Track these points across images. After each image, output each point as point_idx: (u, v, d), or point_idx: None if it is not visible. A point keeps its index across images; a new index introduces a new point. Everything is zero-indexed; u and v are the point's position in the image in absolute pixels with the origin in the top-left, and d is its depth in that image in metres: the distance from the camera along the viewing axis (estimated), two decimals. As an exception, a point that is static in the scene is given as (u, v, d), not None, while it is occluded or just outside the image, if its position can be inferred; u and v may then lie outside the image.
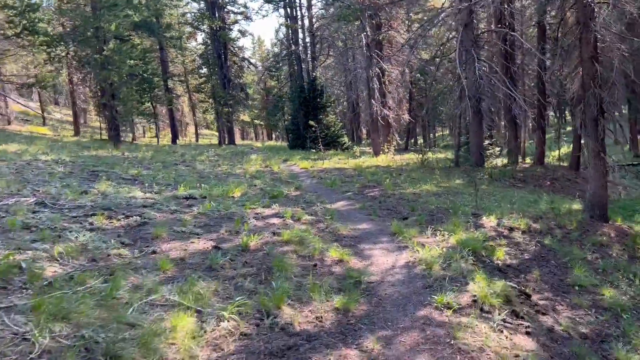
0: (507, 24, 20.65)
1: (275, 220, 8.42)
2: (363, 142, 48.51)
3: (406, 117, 28.53)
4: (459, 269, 6.38)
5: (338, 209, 10.58)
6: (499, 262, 7.43)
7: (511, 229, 9.54)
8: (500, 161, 21.93)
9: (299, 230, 7.66)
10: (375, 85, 26.09)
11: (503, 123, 25.86)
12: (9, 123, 36.49)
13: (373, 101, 26.06)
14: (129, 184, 10.98)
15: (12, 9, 27.19)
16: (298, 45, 34.37)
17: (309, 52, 34.61)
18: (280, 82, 40.54)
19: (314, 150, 24.35)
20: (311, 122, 19.31)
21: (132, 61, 24.21)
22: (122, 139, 31.02)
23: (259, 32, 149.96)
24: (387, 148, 26.51)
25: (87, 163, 13.41)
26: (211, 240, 6.61)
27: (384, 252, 7.26)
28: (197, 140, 49.47)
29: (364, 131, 56.60)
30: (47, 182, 9.61)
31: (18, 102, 32.30)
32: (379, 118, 26.19)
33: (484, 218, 9.98)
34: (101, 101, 23.32)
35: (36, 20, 27.47)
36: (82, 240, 5.77)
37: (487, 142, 20.87)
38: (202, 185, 11.56)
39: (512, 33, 19.39)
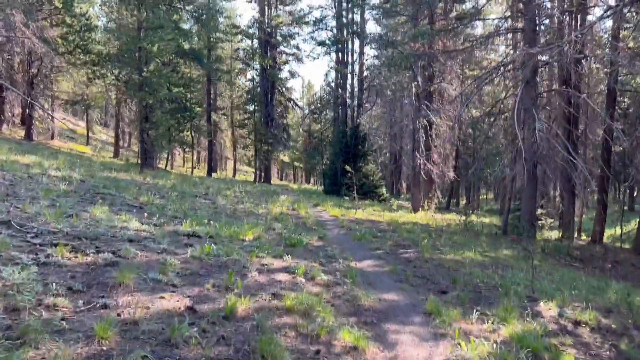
0: (572, 85, 18.95)
1: (282, 277, 6.83)
2: (402, 196, 46.69)
3: (451, 174, 26.74)
4: (516, 381, 4.60)
5: (363, 269, 8.91)
6: (568, 373, 5.55)
7: (577, 323, 7.56)
8: (553, 234, 19.71)
9: (308, 294, 6.05)
10: (421, 138, 24.62)
11: (557, 192, 23.67)
12: (52, 138, 36.90)
13: (417, 154, 24.52)
14: (131, 212, 9.70)
15: (69, 26, 27.65)
16: (345, 91, 33.56)
17: (356, 98, 33.70)
18: (323, 125, 39.73)
19: (347, 198, 22.82)
20: (347, 168, 17.91)
21: (174, 87, 23.86)
22: (156, 164, 30.51)
23: (310, 76, 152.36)
24: (428, 205, 24.72)
25: (98, 184, 12.33)
26: (189, 297, 5.08)
27: (415, 339, 5.53)
28: (234, 176, 48.94)
29: (404, 185, 54.87)
30: (35, 200, 8.42)
31: (62, 120, 32.53)
32: (422, 172, 24.57)
33: (542, 304, 8.06)
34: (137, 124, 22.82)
35: (90, 40, 27.79)
36: (15, 279, 4.36)
37: (540, 211, 18.82)
38: (214, 222, 10.17)
39: (579, 94, 17.63)
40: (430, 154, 25.89)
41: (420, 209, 24.57)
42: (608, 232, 25.82)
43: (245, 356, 3.98)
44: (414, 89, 23.97)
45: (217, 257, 7.09)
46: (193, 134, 34.94)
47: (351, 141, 31.35)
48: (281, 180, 76.71)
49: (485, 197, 59.34)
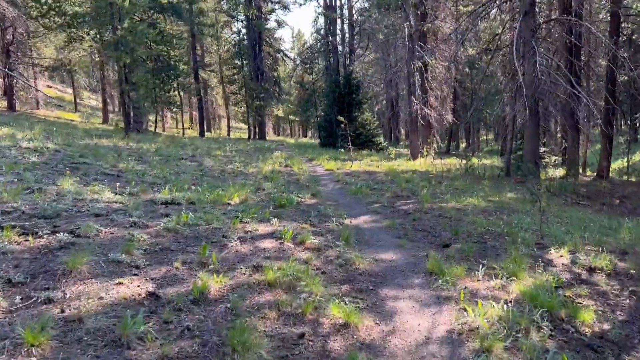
0: (573, 13, 17.76)
1: (267, 244, 6.20)
2: (401, 143, 45.88)
3: (449, 117, 25.84)
4: (532, 349, 4.02)
5: (359, 226, 8.28)
6: (587, 330, 4.98)
7: (591, 270, 6.97)
8: (557, 172, 19.01)
9: (295, 261, 5.42)
10: (417, 81, 23.59)
11: (559, 128, 22.82)
12: (37, 107, 35.75)
13: (413, 98, 23.56)
14: (107, 181, 9.00)
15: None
16: (335, 37, 32.10)
17: (347, 44, 32.29)
18: (315, 76, 38.30)
19: (344, 150, 22.09)
20: (340, 118, 17.05)
21: (154, 45, 22.61)
22: (145, 127, 29.59)
23: (299, 25, 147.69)
24: (427, 151, 23.96)
25: (74, 153, 11.56)
26: (152, 279, 4.43)
27: (415, 305, 4.93)
28: (228, 134, 47.98)
29: (403, 132, 53.94)
30: (-4, 175, 7.70)
31: (48, 88, 31.32)
32: (419, 117, 23.68)
33: (552, 251, 7.46)
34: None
35: (64, 0, 26.23)
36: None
37: (543, 149, 18.05)
38: (197, 187, 9.48)
39: (582, 22, 16.50)
40: (427, 98, 24.90)
41: (420, 155, 23.82)
42: (614, 166, 25.15)
43: (213, 350, 3.36)
44: (406, 29, 22.69)
45: (195, 226, 6.43)
46: (181, 94, 33.75)
47: (344, 90, 30.24)
48: (278, 135, 75.65)
49: (485, 138, 58.46)
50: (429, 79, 25.56)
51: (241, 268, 4.99)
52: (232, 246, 5.78)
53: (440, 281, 5.58)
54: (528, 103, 15.16)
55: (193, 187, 9.19)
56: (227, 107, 46.14)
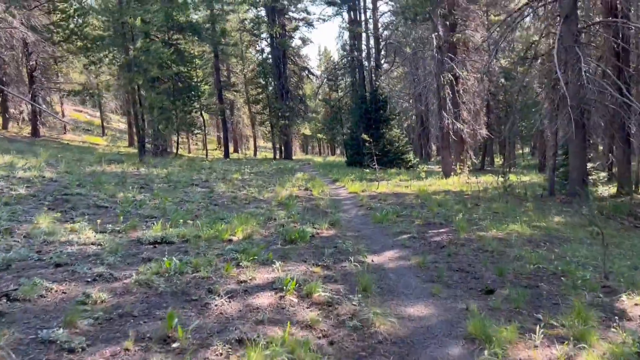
0: (620, 14, 16.15)
1: (264, 299, 4.95)
2: (432, 160, 44.23)
3: (483, 132, 24.24)
4: None
5: (383, 265, 6.96)
6: None
7: (680, 325, 5.49)
8: (606, 190, 17.20)
9: (296, 326, 4.16)
10: (447, 95, 22.21)
11: (605, 142, 20.93)
12: (65, 132, 35.84)
13: (444, 113, 22.15)
14: (95, 215, 7.96)
15: (62, 12, 25.99)
16: (361, 52, 31.03)
17: (373, 59, 31.18)
18: (341, 93, 37.22)
19: (370, 170, 20.81)
20: (364, 136, 15.80)
21: (173, 65, 21.97)
22: (167, 150, 29.01)
23: (325, 42, 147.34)
24: (460, 168, 22.41)
25: (72, 182, 10.65)
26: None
27: (453, 399, 3.58)
28: (255, 154, 47.31)
29: (434, 148, 52.33)
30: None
31: (77, 112, 31.25)
32: (451, 133, 22.22)
33: (624, 298, 5.98)
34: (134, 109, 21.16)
35: (85, 24, 26.11)
36: None
37: (590, 165, 16.38)
38: (198, 219, 8.36)
39: (630, 24, 14.88)
40: (459, 112, 23.43)
41: (452, 173, 22.30)
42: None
43: None
44: (434, 40, 21.41)
45: (178, 276, 5.25)
46: (204, 115, 33.17)
47: (371, 106, 29.03)
48: (306, 154, 74.91)
49: (520, 152, 56.07)
50: (460, 92, 24.10)
51: (218, 344, 3.74)
52: (215, 306, 4.56)
53: (486, 352, 4.21)
54: (573, 114, 13.56)
55: (192, 221, 8.06)
56: (254, 127, 45.54)
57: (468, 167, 22.47)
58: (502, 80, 23.72)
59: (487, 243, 8.48)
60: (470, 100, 24.60)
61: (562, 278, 6.66)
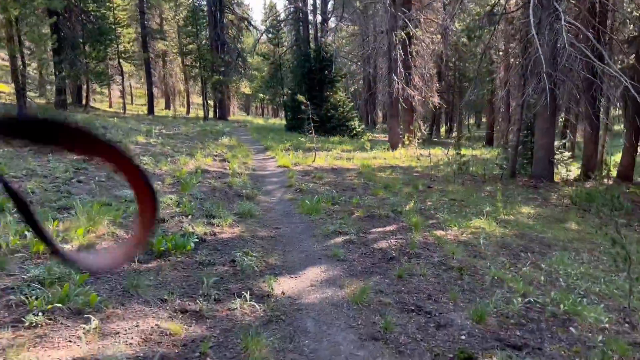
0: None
1: None
2: (377, 127, 42.09)
3: (435, 99, 21.97)
4: None
5: (298, 301, 4.37)
6: None
7: None
8: (569, 172, 15.39)
9: None
10: (399, 56, 19.60)
11: (570, 118, 19.17)
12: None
13: (394, 76, 19.60)
14: None
15: None
16: (306, 3, 27.72)
17: (319, 12, 27.98)
18: (282, 48, 33.55)
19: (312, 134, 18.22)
20: (300, 97, 12.96)
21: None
22: (84, 102, 24.92)
23: None
24: (409, 139, 20.16)
25: None
26: None
27: None
28: (188, 113, 43.30)
29: (380, 115, 50.27)
30: None
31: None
32: (400, 99, 19.78)
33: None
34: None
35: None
36: None
37: (556, 143, 14.48)
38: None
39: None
40: (410, 77, 21.00)
41: (400, 144, 20.02)
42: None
43: None
44: (388, -10, 18.62)
45: None
46: (121, 64, 28.87)
47: (315, 65, 26.06)
48: (248, 115, 70.96)
49: (466, 122, 55.05)
50: (413, 54, 21.63)
51: None
52: None
53: None
54: (548, 83, 11.35)
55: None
56: (187, 82, 41.36)
57: (417, 138, 20.23)
58: (464, 40, 21.36)
59: (451, 251, 6.09)
60: (423, 64, 22.20)
61: (570, 328, 4.32)
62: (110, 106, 35.15)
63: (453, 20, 17.21)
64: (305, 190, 9.24)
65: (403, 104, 19.94)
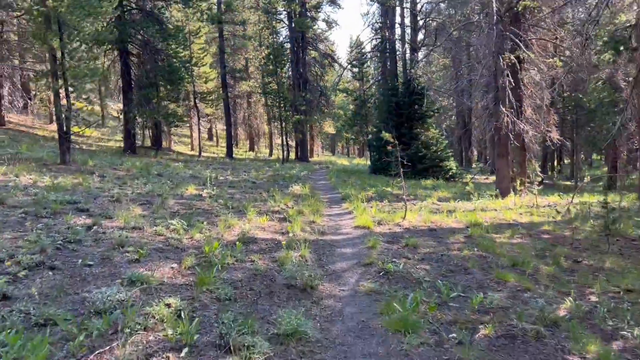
0: None
1: None
2: (474, 167, 37.85)
3: (554, 135, 17.94)
4: None
5: None
6: None
7: None
8: None
9: None
10: (507, 82, 16.08)
11: None
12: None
13: (502, 107, 16.06)
14: None
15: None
16: (394, 32, 25.06)
17: (408, 40, 25.17)
18: (365, 82, 30.87)
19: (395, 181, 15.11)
20: (386, 135, 9.91)
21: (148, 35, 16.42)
22: (163, 144, 23.74)
23: (358, 31, 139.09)
24: (522, 184, 16.35)
25: None
26: None
27: None
28: (270, 154, 41.88)
29: (475, 154, 45.94)
30: None
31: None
32: (511, 135, 16.13)
33: None
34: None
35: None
36: None
37: None
38: None
39: None
40: (520, 108, 17.30)
41: (511, 190, 16.26)
42: None
43: None
44: (494, 4, 15.38)
45: None
46: (197, 104, 27.76)
47: (404, 100, 23.10)
48: (333, 154, 69.15)
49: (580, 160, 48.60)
50: (524, 81, 17.95)
51: None
52: None
53: None
54: None
55: None
56: (270, 123, 40.04)
57: (533, 182, 16.29)
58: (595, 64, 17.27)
59: None
60: (536, 93, 18.39)
61: None
62: (193, 149, 34.36)
63: (587, 37, 13.34)
64: (393, 274, 6.11)
65: (515, 141, 16.27)
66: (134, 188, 10.44)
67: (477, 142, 47.92)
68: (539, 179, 15.61)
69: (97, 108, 31.19)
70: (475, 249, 7.83)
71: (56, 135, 13.97)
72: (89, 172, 11.85)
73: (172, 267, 5.45)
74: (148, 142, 27.84)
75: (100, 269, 5.18)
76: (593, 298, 5.82)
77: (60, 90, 12.50)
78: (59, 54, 11.75)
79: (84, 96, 12.59)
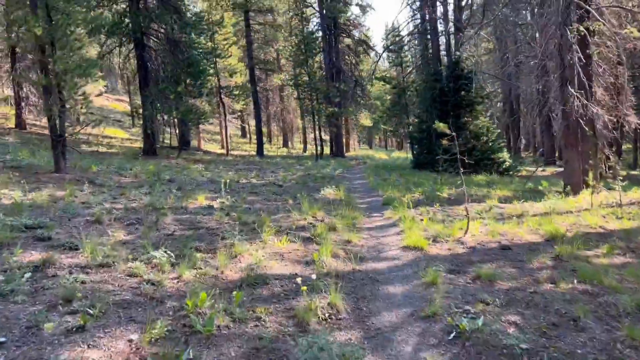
0: None
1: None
2: (524, 157, 34.93)
3: (633, 119, 15.21)
4: None
5: None
6: None
7: None
8: None
9: None
10: (576, 59, 13.54)
11: None
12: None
13: (570, 89, 13.54)
14: None
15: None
16: (435, 11, 22.59)
17: (452, 20, 22.64)
18: (403, 68, 28.25)
19: (450, 173, 12.86)
20: (440, 125, 7.79)
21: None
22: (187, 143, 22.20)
23: (394, 14, 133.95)
24: (595, 179, 13.82)
25: None
26: None
27: None
28: (304, 150, 39.97)
29: (523, 143, 42.86)
30: None
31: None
32: (581, 121, 13.59)
33: None
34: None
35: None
36: None
37: None
38: None
39: None
40: (591, 89, 14.68)
41: (583, 186, 13.76)
42: None
43: None
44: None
45: None
46: (222, 99, 26.08)
47: (449, 85, 20.65)
48: (370, 148, 66.72)
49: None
50: (594, 57, 15.28)
51: None
52: None
53: None
54: None
55: None
56: (303, 117, 38.09)
57: (609, 176, 13.74)
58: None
59: None
60: (610, 70, 15.70)
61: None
62: (222, 147, 32.84)
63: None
64: (470, 336, 4.01)
65: (585, 127, 13.72)
66: (129, 201, 8.66)
67: (526, 131, 44.64)
68: (623, 172, 13.03)
69: (105, 103, 29.71)
70: (575, 281, 5.62)
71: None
72: (86, 180, 10.17)
73: (129, 341, 3.54)
74: (175, 142, 26.35)
75: (12, 350, 3.31)
76: None
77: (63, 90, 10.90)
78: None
79: (79, 93, 10.87)
